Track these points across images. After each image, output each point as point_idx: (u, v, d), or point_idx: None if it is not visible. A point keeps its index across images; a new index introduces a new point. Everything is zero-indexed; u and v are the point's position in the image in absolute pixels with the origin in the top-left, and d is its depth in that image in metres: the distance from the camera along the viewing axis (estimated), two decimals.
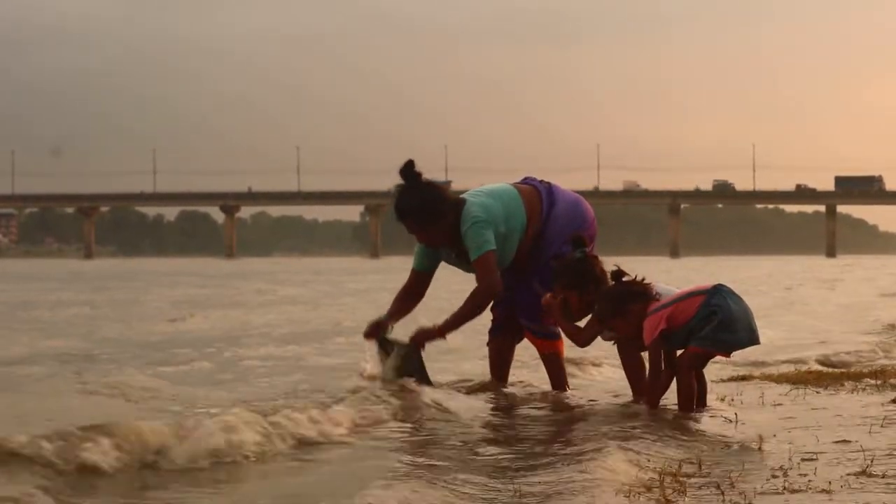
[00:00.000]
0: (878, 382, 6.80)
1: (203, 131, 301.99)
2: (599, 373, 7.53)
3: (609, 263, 5.91)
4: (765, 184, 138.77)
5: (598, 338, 5.96)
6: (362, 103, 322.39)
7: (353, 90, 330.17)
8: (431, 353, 6.29)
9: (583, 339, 5.97)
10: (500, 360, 6.53)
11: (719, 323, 5.51)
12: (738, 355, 6.12)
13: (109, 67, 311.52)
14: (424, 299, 6.40)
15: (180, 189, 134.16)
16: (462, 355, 7.83)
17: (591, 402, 6.10)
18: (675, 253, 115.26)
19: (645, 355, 5.94)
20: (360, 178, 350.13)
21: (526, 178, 6.53)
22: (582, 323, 5.96)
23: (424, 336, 6.15)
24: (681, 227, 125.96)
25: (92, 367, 7.84)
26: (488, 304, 6.24)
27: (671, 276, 34.37)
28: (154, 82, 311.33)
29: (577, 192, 6.77)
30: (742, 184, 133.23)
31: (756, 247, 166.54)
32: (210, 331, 12.45)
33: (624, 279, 5.73)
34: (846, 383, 6.82)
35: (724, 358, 5.92)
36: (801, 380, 7.05)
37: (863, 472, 4.00)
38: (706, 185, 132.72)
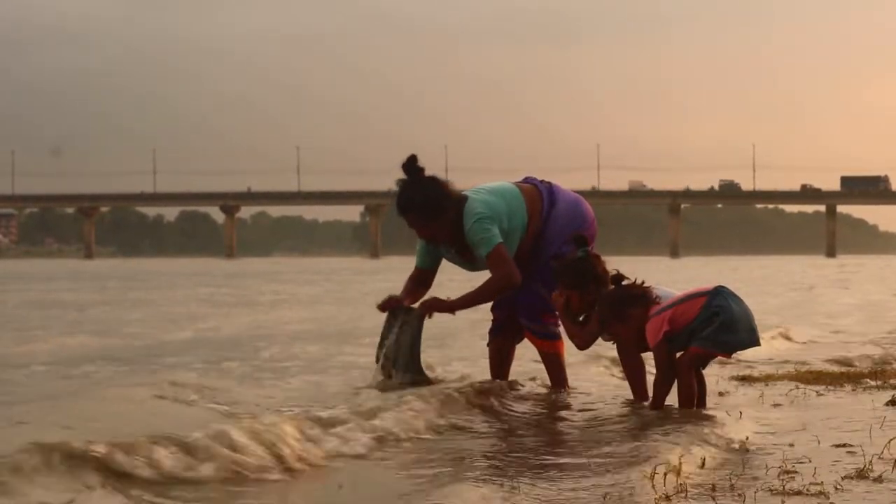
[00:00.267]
0: (878, 383, 6.80)
1: (203, 131, 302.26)
2: (599, 373, 7.52)
3: (609, 264, 5.91)
4: (765, 184, 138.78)
5: (598, 338, 5.96)
6: (362, 103, 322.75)
7: (353, 90, 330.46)
8: (434, 355, 6.31)
9: (583, 341, 5.97)
10: (500, 361, 6.52)
11: (721, 324, 5.52)
12: (738, 355, 6.13)
13: (109, 67, 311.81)
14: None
15: (180, 189, 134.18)
16: (461, 354, 7.83)
17: (592, 403, 6.10)
18: (675, 253, 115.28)
19: (645, 356, 5.94)
20: (360, 178, 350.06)
21: (527, 178, 6.53)
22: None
23: (435, 304, 6.18)
24: (681, 227, 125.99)
25: (143, 368, 7.88)
26: (505, 291, 6.21)
27: (676, 275, 34.43)
28: (154, 82, 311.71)
29: (577, 191, 6.77)
30: (742, 184, 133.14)
31: (756, 247, 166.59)
32: (247, 330, 12.54)
33: (623, 283, 5.72)
34: (846, 384, 6.82)
35: (724, 358, 5.93)
36: (801, 380, 7.05)
37: (861, 474, 4.00)
38: (706, 185, 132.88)
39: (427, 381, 6.13)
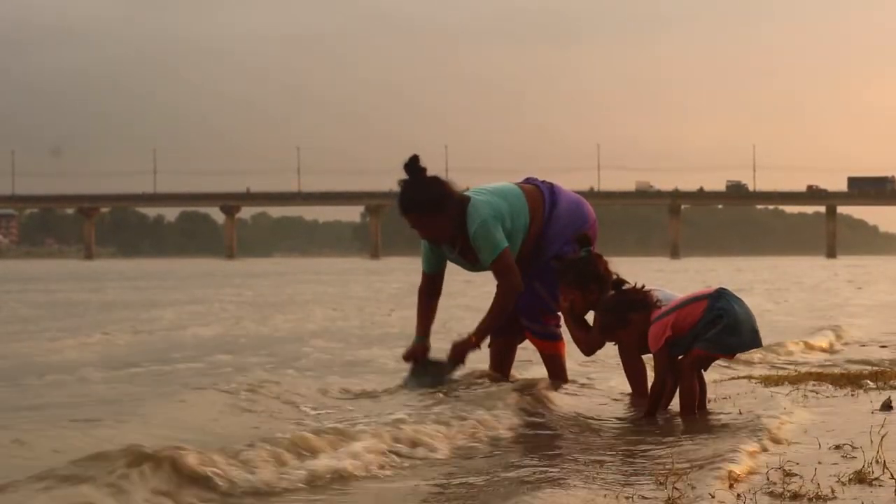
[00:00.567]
0: (878, 384, 6.79)
1: (203, 131, 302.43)
2: (600, 374, 7.51)
3: (610, 265, 5.92)
4: (764, 184, 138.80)
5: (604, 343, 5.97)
6: (362, 103, 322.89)
7: (353, 90, 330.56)
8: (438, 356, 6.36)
9: (589, 347, 5.97)
10: (501, 361, 6.53)
11: (725, 326, 5.51)
12: (739, 356, 6.11)
13: (110, 67, 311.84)
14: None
15: (180, 189, 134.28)
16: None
17: (592, 404, 6.08)
18: (675, 254, 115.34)
19: (646, 357, 5.93)
20: (360, 179, 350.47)
21: (528, 179, 6.53)
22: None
23: (462, 350, 6.20)
24: (681, 227, 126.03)
25: (207, 370, 7.87)
26: (513, 303, 6.22)
27: (680, 277, 34.38)
28: (154, 82, 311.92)
29: (577, 192, 6.75)
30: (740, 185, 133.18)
31: (756, 247, 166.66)
32: (294, 329, 12.60)
33: (624, 287, 5.71)
34: (846, 386, 6.80)
35: (727, 360, 5.92)
36: (801, 381, 7.05)
37: (860, 477, 3.99)
38: (707, 185, 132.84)
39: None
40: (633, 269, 6.14)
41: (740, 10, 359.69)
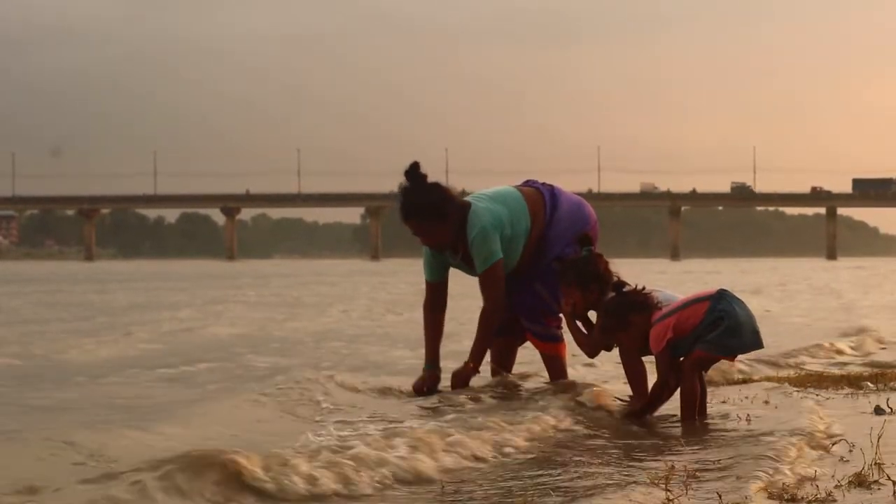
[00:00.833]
0: (878, 386, 6.79)
1: (203, 132, 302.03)
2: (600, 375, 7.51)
3: (611, 266, 5.91)
4: (765, 185, 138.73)
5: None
6: (363, 104, 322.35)
7: (353, 91, 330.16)
8: (442, 359, 6.38)
9: (592, 350, 5.99)
10: (502, 362, 6.52)
11: (726, 328, 5.51)
12: (741, 357, 6.10)
13: (110, 68, 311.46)
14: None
15: (181, 191, 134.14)
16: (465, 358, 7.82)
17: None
18: (675, 255, 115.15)
19: (646, 359, 5.94)
20: (360, 180, 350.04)
21: (528, 181, 6.53)
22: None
23: (463, 379, 6.21)
24: (681, 229, 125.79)
25: (271, 371, 7.80)
26: (499, 319, 6.24)
27: (683, 279, 34.18)
28: (154, 83, 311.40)
29: (578, 193, 6.75)
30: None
31: (756, 249, 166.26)
32: (322, 329, 12.65)
33: (625, 289, 5.73)
34: (846, 387, 6.81)
35: (728, 361, 5.90)
36: (802, 382, 7.05)
37: (860, 478, 4.01)
38: (707, 187, 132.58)
39: None
40: (633, 271, 6.15)
41: (741, 11, 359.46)
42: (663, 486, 3.75)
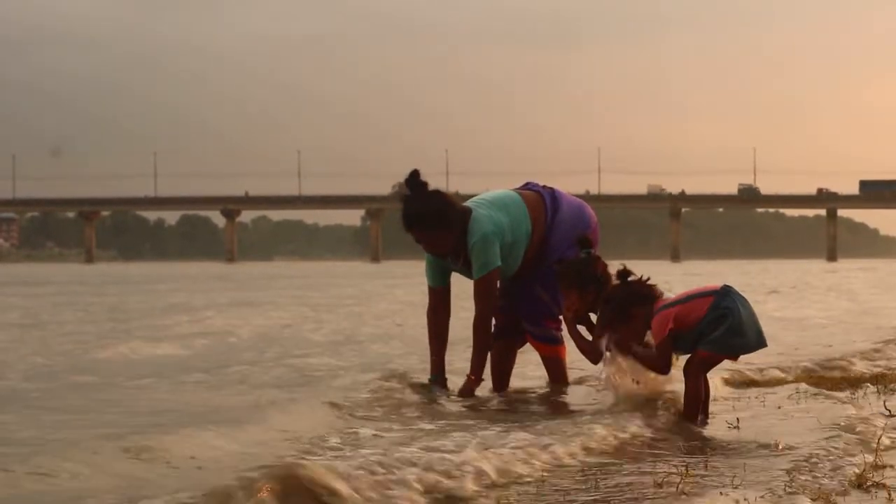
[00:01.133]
0: (878, 388, 6.79)
1: (204, 134, 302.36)
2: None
3: (611, 268, 5.89)
4: (765, 187, 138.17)
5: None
6: (363, 105, 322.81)
7: (353, 92, 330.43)
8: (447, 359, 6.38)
9: (596, 356, 5.96)
10: (502, 364, 6.54)
11: (729, 327, 5.48)
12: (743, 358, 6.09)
13: (110, 70, 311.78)
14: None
15: (181, 192, 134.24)
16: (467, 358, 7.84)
17: (594, 404, 6.07)
18: (675, 257, 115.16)
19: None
20: (360, 182, 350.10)
21: (528, 183, 6.54)
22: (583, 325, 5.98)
23: (468, 393, 6.23)
24: (681, 230, 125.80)
25: (329, 373, 7.76)
26: (489, 329, 6.27)
27: (687, 282, 34.10)
28: (155, 85, 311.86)
29: (576, 195, 6.76)
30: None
31: (757, 251, 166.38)
32: (361, 331, 12.64)
33: (630, 279, 5.69)
34: (846, 389, 6.81)
35: (730, 361, 5.85)
36: (801, 383, 7.00)
37: (861, 478, 4.01)
38: (708, 189, 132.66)
39: None
40: (637, 271, 6.12)
41: (741, 12, 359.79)
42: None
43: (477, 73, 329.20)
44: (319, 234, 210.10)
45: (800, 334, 11.54)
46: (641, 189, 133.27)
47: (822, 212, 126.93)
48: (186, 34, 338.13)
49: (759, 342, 5.59)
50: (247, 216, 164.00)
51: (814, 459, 4.47)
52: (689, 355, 5.63)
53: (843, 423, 5.38)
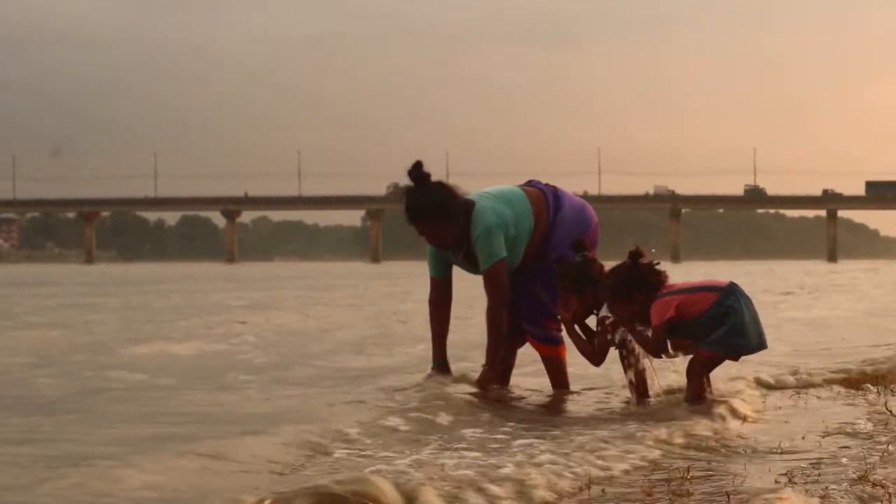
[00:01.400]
0: (879, 388, 6.76)
1: (204, 135, 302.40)
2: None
3: (606, 269, 5.90)
4: (767, 187, 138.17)
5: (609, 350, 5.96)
6: (363, 106, 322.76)
7: (353, 92, 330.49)
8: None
9: (597, 359, 5.99)
10: (502, 365, 6.48)
11: (732, 327, 5.47)
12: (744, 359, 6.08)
13: (110, 70, 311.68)
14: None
15: (181, 193, 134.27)
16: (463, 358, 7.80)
17: (594, 404, 6.09)
18: (676, 257, 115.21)
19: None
20: (360, 182, 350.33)
21: (530, 181, 6.53)
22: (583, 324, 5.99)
23: (485, 382, 6.22)
24: (681, 230, 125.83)
25: (385, 373, 7.64)
26: (503, 318, 6.22)
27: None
28: (155, 85, 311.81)
29: (577, 195, 6.71)
30: (742, 188, 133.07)
31: (757, 251, 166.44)
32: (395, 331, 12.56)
33: (641, 261, 5.66)
34: (848, 388, 6.80)
35: (731, 361, 5.86)
36: (803, 383, 7.04)
37: (862, 478, 4.01)
38: (708, 189, 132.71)
39: None
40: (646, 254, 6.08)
41: (741, 12, 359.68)
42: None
43: (477, 73, 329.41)
44: (319, 235, 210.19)
45: (823, 334, 11.59)
46: (642, 190, 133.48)
47: (823, 212, 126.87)
48: (186, 34, 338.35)
49: (759, 343, 5.59)
50: (247, 217, 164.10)
51: (815, 459, 4.47)
52: (690, 357, 5.63)
53: (846, 423, 5.39)
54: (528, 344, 6.50)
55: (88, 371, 7.95)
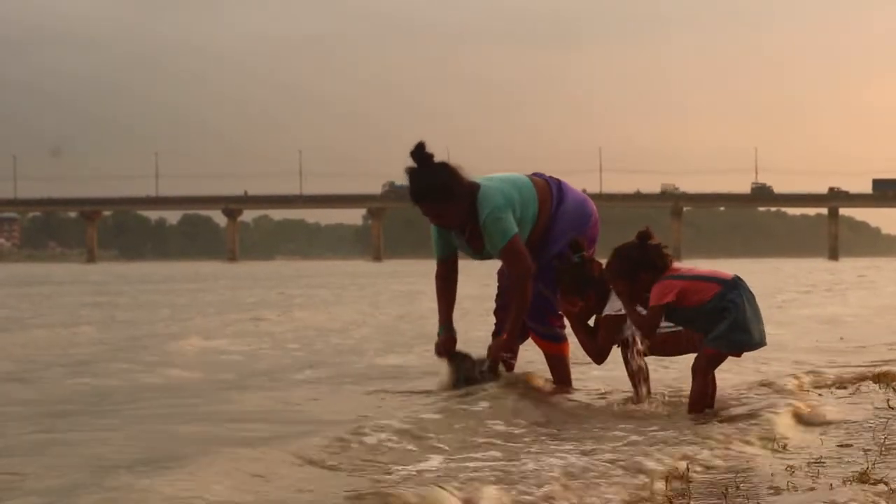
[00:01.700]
0: (880, 385, 6.75)
1: (205, 134, 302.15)
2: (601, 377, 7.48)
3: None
4: (770, 186, 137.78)
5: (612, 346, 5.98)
6: (363, 105, 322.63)
7: (354, 92, 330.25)
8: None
9: (599, 356, 5.99)
10: (504, 361, 6.42)
11: (734, 322, 5.44)
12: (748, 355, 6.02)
13: (111, 70, 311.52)
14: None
15: (182, 192, 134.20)
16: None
17: (595, 404, 6.06)
18: (677, 255, 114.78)
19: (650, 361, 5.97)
20: (361, 181, 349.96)
21: (535, 173, 6.49)
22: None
23: (500, 349, 6.21)
24: (682, 229, 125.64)
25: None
26: (531, 286, 6.13)
27: None
28: (156, 85, 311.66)
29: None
30: (744, 187, 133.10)
31: (758, 249, 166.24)
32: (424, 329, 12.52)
33: (650, 242, 5.59)
34: (848, 386, 6.80)
35: (734, 359, 5.81)
36: (805, 381, 6.96)
37: (863, 477, 4.02)
38: (707, 188, 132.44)
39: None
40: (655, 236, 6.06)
41: (741, 12, 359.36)
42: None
43: (477, 73, 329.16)
44: (321, 234, 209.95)
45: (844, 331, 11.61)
46: (644, 189, 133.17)
47: (824, 210, 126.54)
48: (186, 34, 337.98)
49: (761, 340, 5.56)
50: (248, 216, 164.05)
51: (816, 456, 4.50)
52: (696, 355, 5.61)
53: (846, 420, 5.40)
54: (527, 342, 6.50)
55: (139, 369, 7.98)
